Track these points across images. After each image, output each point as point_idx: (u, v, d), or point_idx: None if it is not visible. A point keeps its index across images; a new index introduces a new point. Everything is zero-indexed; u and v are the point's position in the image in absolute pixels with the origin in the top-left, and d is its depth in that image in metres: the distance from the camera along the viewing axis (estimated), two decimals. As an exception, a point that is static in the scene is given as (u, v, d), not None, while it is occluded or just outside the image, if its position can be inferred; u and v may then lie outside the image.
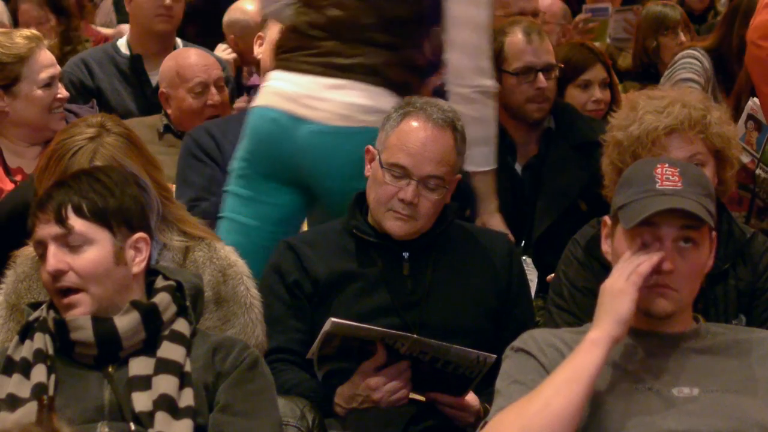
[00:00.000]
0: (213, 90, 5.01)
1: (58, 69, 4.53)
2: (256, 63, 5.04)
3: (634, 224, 2.80)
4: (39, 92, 4.44)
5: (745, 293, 3.43)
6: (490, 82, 3.98)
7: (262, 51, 4.47)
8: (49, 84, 4.46)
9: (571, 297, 3.46)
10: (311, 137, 3.87)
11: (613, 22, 7.01)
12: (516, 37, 4.63)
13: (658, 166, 2.88)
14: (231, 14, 5.97)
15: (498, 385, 2.88)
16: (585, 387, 2.74)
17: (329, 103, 3.86)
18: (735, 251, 3.44)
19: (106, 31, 6.96)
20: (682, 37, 6.28)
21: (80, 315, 2.90)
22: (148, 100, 5.44)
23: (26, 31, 4.56)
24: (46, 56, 4.48)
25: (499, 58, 5.05)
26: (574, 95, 5.01)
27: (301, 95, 3.89)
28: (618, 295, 2.79)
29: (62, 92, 4.50)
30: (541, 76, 4.55)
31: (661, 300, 2.84)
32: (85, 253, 2.92)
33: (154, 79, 5.41)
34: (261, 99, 4.00)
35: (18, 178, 4.45)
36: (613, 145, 3.31)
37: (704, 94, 3.40)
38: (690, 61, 5.09)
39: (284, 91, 3.92)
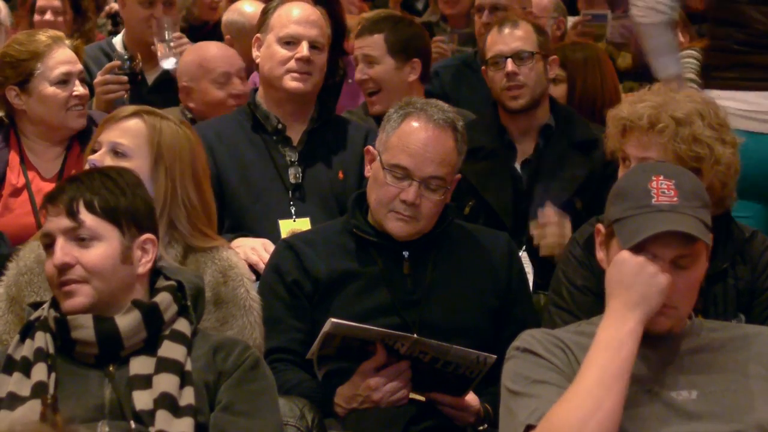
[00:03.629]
0: (236, 80, 4.96)
1: (77, 67, 4.47)
2: (253, 64, 5.01)
3: (631, 246, 2.79)
4: (51, 89, 4.40)
5: (744, 292, 3.43)
6: None
7: (260, 54, 4.44)
8: (64, 81, 4.40)
9: (570, 296, 3.46)
10: None
11: (610, 27, 7.05)
12: (492, 32, 4.69)
13: (653, 178, 2.85)
14: (229, 15, 5.95)
15: (512, 387, 2.84)
16: (627, 380, 2.74)
17: None
18: (734, 250, 3.44)
19: None
20: (682, 38, 6.28)
21: (78, 305, 2.90)
22: (143, 99, 5.43)
23: (50, 31, 4.53)
24: (63, 54, 4.43)
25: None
26: None
27: (755, 112, 4.06)
28: (654, 286, 2.77)
29: (79, 89, 4.43)
30: (509, 62, 4.56)
31: (662, 318, 2.84)
32: (93, 248, 2.93)
33: (150, 78, 5.40)
34: None
35: (31, 175, 4.43)
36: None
37: (702, 106, 3.36)
38: (690, 61, 5.09)
39: (735, 110, 4.01)
